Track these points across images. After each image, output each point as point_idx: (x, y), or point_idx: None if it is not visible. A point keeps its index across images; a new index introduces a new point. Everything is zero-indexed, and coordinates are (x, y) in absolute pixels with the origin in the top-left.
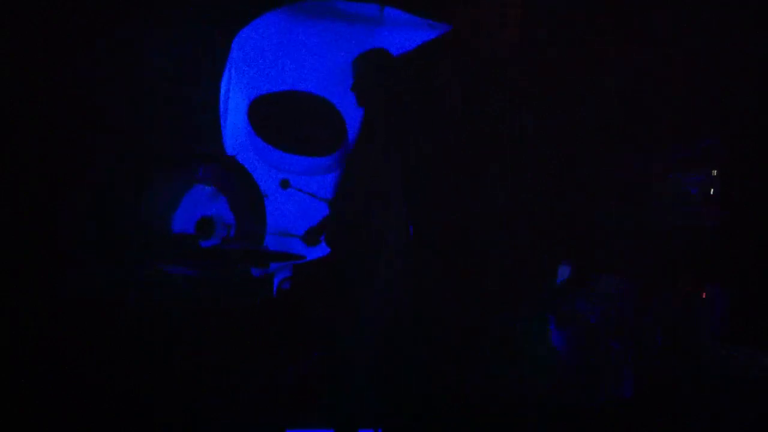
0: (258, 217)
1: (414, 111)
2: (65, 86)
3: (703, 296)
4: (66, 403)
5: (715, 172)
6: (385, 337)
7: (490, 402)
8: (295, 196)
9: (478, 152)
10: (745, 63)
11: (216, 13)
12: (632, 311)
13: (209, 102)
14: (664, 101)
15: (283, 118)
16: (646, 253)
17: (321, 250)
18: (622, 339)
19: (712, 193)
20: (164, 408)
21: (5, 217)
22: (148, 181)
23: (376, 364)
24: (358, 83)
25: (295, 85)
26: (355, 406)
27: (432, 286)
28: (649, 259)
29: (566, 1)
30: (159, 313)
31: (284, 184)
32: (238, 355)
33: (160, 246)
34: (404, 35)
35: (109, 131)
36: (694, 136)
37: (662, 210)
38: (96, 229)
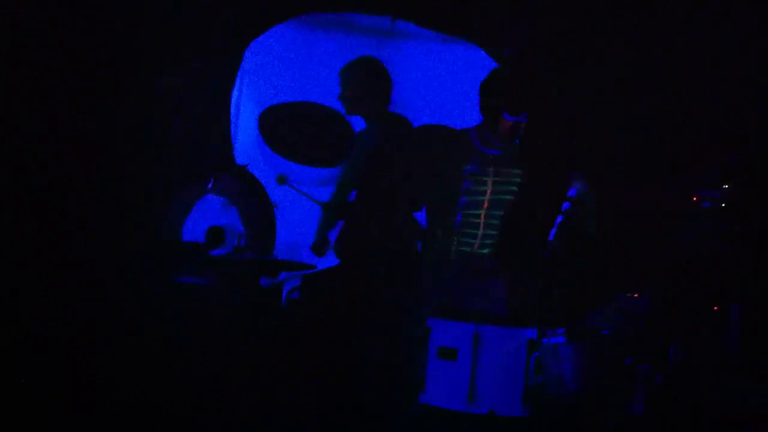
0: (268, 227)
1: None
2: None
3: (721, 315)
4: (70, 413)
5: (726, 187)
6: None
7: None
8: (304, 205)
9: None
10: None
11: (228, 25)
12: (646, 329)
13: (221, 113)
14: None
15: (294, 129)
16: (663, 271)
17: (331, 260)
18: (635, 356)
19: (724, 206)
20: (173, 422)
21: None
22: (161, 191)
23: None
24: (347, 92)
25: (306, 96)
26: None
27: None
28: (666, 278)
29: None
30: (169, 322)
31: (281, 179)
32: (249, 365)
33: (171, 255)
34: (415, 47)
35: (123, 143)
36: (712, 154)
37: (679, 228)
38: (110, 237)
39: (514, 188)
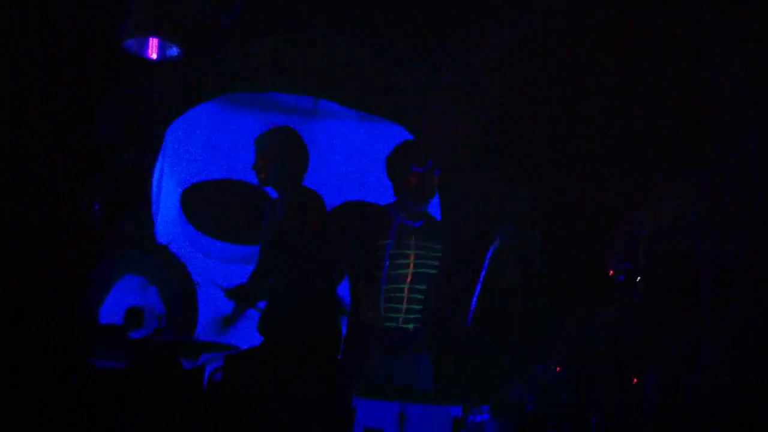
0: (189, 307)
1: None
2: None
3: (639, 384)
4: None
5: (641, 260)
6: None
7: None
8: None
9: None
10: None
11: (149, 103)
12: (568, 400)
13: (141, 192)
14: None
15: (216, 207)
16: (582, 342)
17: (254, 339)
18: (557, 428)
19: (638, 280)
20: None
21: None
22: (78, 272)
23: None
24: (261, 160)
25: (228, 174)
26: None
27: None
28: (586, 348)
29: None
30: (87, 407)
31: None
32: None
33: (88, 338)
34: (338, 126)
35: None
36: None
37: (597, 298)
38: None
39: (436, 262)
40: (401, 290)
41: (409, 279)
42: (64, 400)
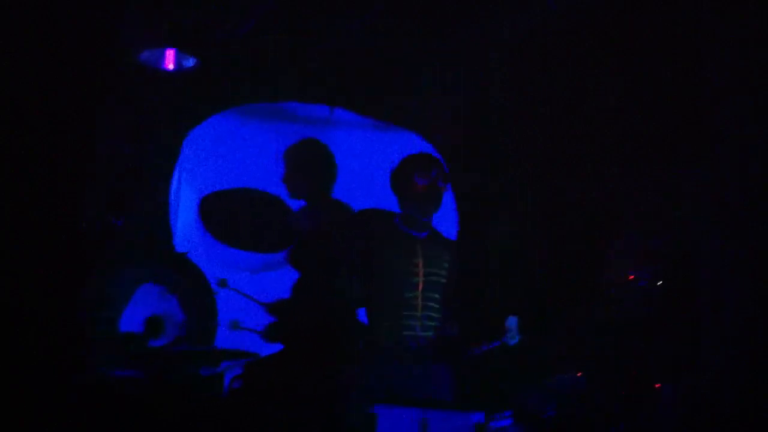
0: (209, 316)
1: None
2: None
3: (657, 391)
4: None
5: (659, 266)
6: None
7: None
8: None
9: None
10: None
11: (166, 115)
12: (585, 408)
13: (160, 201)
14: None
15: (234, 216)
16: (599, 349)
17: (273, 346)
18: None
19: (660, 284)
20: None
21: None
22: (96, 279)
23: None
24: (290, 173)
25: (246, 183)
26: None
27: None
28: (603, 356)
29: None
30: (106, 419)
31: (222, 283)
32: None
33: (107, 347)
34: (355, 136)
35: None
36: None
37: (615, 305)
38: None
39: (444, 272)
40: (414, 299)
41: (420, 287)
42: (71, 409)
